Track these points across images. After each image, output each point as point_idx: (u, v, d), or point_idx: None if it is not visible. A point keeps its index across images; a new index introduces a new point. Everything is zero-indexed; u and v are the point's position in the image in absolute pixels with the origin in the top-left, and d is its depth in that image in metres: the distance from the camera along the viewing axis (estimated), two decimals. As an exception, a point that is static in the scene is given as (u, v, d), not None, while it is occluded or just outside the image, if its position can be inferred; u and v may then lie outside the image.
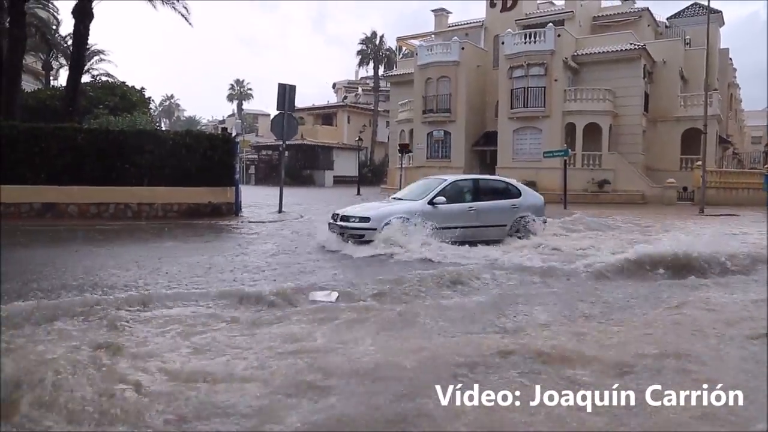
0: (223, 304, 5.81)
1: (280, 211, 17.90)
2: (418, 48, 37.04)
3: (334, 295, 6.32)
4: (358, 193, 33.01)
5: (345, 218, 10.71)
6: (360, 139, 43.46)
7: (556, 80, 30.05)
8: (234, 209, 16.52)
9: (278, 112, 18.68)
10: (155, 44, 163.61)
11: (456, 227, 10.63)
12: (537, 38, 30.36)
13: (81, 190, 15.08)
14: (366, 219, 10.49)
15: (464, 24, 39.42)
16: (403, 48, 47.25)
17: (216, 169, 16.17)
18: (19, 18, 19.65)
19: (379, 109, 55.37)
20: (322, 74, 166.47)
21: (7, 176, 14.76)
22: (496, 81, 32.67)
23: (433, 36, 40.49)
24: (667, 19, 38.63)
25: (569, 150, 26.89)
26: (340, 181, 50.40)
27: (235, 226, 14.53)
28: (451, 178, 12.06)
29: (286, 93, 18.27)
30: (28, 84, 32.42)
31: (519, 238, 11.23)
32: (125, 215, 15.37)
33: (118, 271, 7.78)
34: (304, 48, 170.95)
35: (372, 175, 50.11)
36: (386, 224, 10.29)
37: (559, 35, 30.19)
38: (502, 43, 31.76)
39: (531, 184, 29.23)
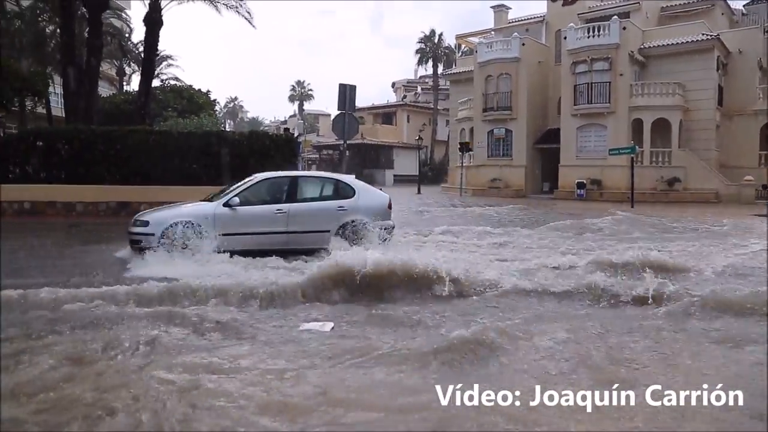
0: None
1: (341, 209, 18.12)
2: (477, 45, 36.68)
3: (329, 325, 5.52)
4: (419, 192, 33.02)
5: (134, 222, 9.39)
6: (420, 138, 43.41)
7: (621, 75, 29.10)
8: (297, 208, 16.83)
9: (339, 111, 18.90)
10: (219, 48, 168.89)
11: (257, 233, 9.27)
12: (601, 32, 29.50)
13: (152, 189, 15.75)
14: (145, 223, 9.17)
15: (525, 19, 38.74)
16: (463, 46, 46.92)
17: (278, 169, 16.49)
18: (96, 28, 20.72)
19: (438, 107, 55.19)
20: (380, 74, 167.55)
21: (86, 176, 15.66)
22: (559, 77, 31.94)
23: (492, 33, 39.98)
24: (744, 6, 36.66)
25: (636, 147, 26.01)
26: (400, 180, 50.53)
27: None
28: (261, 175, 10.39)
29: (346, 93, 18.46)
30: (104, 89, 34.14)
31: (353, 244, 9.14)
32: (193, 213, 15.94)
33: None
34: (362, 49, 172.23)
35: (432, 174, 49.99)
36: (168, 229, 8.88)
37: (624, 28, 29.23)
38: (564, 37, 31.02)
39: (596, 183, 28.73)
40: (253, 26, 25.45)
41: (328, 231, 9.63)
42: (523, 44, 33.04)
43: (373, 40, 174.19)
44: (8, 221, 14.16)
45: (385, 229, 9.80)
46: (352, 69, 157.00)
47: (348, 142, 19.96)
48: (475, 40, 41.70)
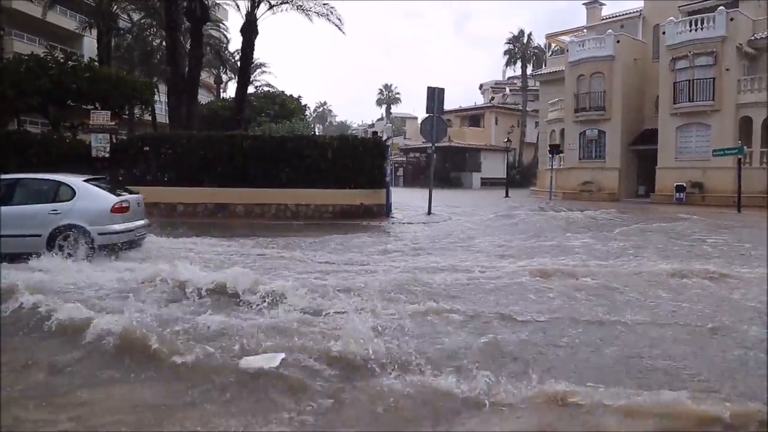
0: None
1: (429, 212, 18.15)
2: (568, 44, 35.55)
3: (279, 357, 4.54)
4: (507, 195, 32.46)
5: None
6: (508, 140, 42.66)
7: (727, 70, 27.22)
8: (385, 210, 17.04)
9: (427, 114, 18.99)
10: (309, 54, 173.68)
11: None
12: (705, 24, 27.73)
13: (247, 191, 16.49)
14: None
15: (619, 16, 37.12)
16: (553, 45, 45.63)
17: (368, 172, 16.82)
18: (198, 40, 21.97)
19: (527, 109, 54.04)
20: (467, 76, 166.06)
21: (187, 179, 16.61)
22: (656, 74, 30.33)
23: (585, 30, 38.65)
24: None
25: (744, 147, 24.24)
26: (487, 183, 49.88)
27: (385, 227, 14.97)
28: None
29: (435, 95, 18.53)
30: (203, 97, 36.04)
31: (68, 253, 8.59)
32: (285, 215, 16.53)
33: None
34: (447, 51, 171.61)
35: (521, 177, 49.00)
36: None
37: (731, 19, 27.30)
38: (663, 32, 29.42)
39: (697, 186, 27.04)
40: (343, 32, 26.04)
41: (40, 236, 8.95)
42: (618, 41, 31.67)
43: (458, 41, 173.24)
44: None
45: (93, 238, 8.99)
46: (438, 71, 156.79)
47: (435, 144, 20.00)
48: (566, 38, 40.44)
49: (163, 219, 15.72)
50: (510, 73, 62.56)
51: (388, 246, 10.93)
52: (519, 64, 56.19)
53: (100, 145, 16.38)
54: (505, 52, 56.62)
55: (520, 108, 55.22)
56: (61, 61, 20.54)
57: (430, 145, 19.89)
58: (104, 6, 29.57)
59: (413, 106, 75.21)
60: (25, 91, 19.12)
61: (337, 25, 25.27)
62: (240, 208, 16.60)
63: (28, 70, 19.43)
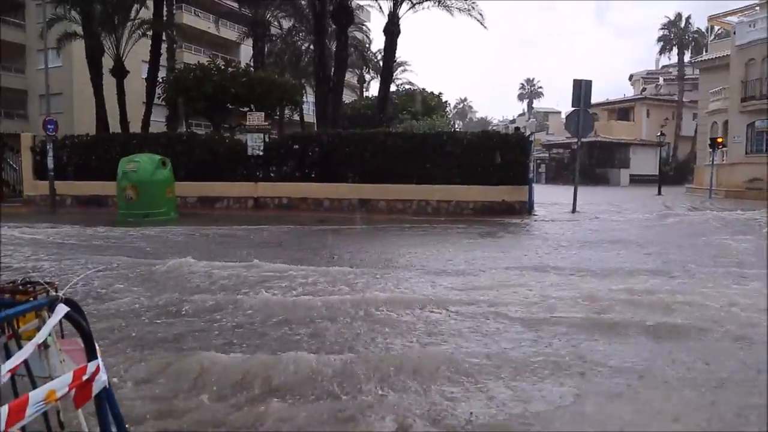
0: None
1: (573, 210, 17.34)
2: (736, 25, 32.12)
3: None
4: (659, 193, 30.16)
5: None
6: (662, 133, 39.56)
7: None
8: (527, 208, 16.54)
9: (573, 108, 18.14)
10: (450, 51, 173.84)
11: None
12: None
13: (390, 187, 16.81)
14: None
15: (801, -9, 32.86)
16: (716, 28, 41.55)
17: (510, 168, 16.40)
18: (343, 42, 22.78)
19: (684, 99, 49.79)
20: (613, 67, 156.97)
21: (332, 176, 17.30)
22: None
23: (757, 9, 34.70)
24: None
25: None
26: (637, 180, 46.73)
27: (529, 225, 14.51)
28: None
29: (581, 88, 17.64)
30: (347, 96, 37.38)
31: None
32: (426, 211, 16.62)
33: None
34: (590, 42, 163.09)
35: (675, 174, 45.31)
36: None
37: None
38: None
39: None
40: (485, 27, 25.57)
41: None
42: (798, 19, 28.09)
43: (600, 31, 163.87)
44: (270, 214, 16.30)
45: None
46: (582, 64, 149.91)
47: (581, 139, 19.05)
48: (733, 19, 36.60)
49: (311, 214, 16.57)
50: (664, 61, 58.04)
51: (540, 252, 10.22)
52: (675, 51, 51.89)
53: (255, 144, 17.57)
54: (659, 39, 52.65)
55: (676, 99, 51.01)
56: (222, 68, 22.38)
57: (576, 140, 18.97)
58: (259, 16, 31.68)
59: (556, 101, 72.86)
60: (193, 97, 21.08)
61: (478, 20, 24.96)
62: (382, 203, 16.97)
63: (195, 78, 21.39)
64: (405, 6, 24.30)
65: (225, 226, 13.35)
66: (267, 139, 17.97)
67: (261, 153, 17.61)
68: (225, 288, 6.25)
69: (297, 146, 17.97)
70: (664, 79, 59.09)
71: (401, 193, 16.83)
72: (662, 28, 52.28)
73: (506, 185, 16.38)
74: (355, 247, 10.34)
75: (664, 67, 60.87)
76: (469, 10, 24.51)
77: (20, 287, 2.20)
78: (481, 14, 24.48)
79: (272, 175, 18.22)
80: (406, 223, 14.06)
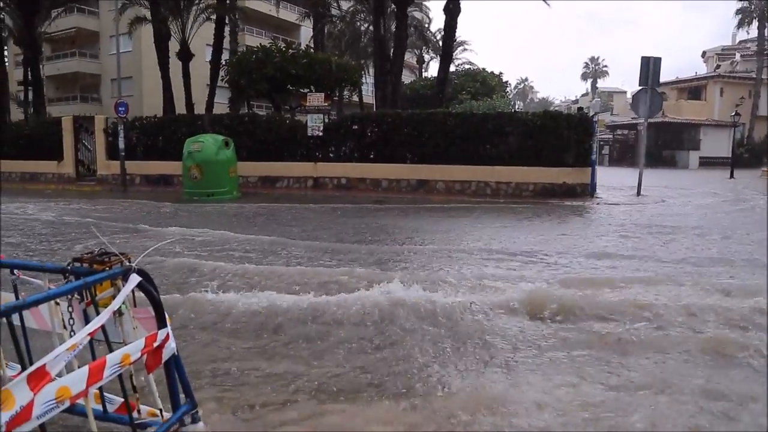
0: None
1: (638, 194, 16.76)
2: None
3: None
4: (731, 177, 28.70)
5: None
6: (736, 113, 37.43)
7: None
8: (589, 190, 16.10)
9: (640, 87, 17.44)
10: (510, 29, 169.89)
11: None
12: None
13: (448, 168, 16.70)
14: None
15: None
16: (802, -1, 38.82)
17: (571, 150, 15.98)
18: (402, 22, 22.63)
19: (763, 77, 46.84)
20: (683, 43, 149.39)
21: (391, 156, 17.33)
22: None
23: None
24: None
25: None
26: (707, 162, 44.60)
27: (591, 208, 14.13)
28: None
29: (649, 66, 16.91)
30: (406, 77, 37.21)
31: None
32: (484, 192, 16.44)
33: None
34: (658, 17, 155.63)
35: (750, 156, 42.94)
36: None
37: None
38: None
39: None
40: (547, 4, 24.87)
41: None
42: None
43: (671, 5, 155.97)
44: (329, 194, 16.53)
45: None
46: (650, 40, 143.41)
47: (648, 120, 18.33)
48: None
49: (369, 193, 16.68)
50: (742, 35, 54.69)
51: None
52: (755, 24, 48.71)
53: (315, 124, 17.78)
54: (737, 11, 49.45)
55: (753, 76, 48.07)
56: (283, 50, 22.66)
57: (642, 120, 18.25)
58: (319, -3, 31.87)
59: (621, 80, 70.20)
60: (255, 78, 21.47)
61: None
62: (441, 184, 16.89)
63: (257, 60, 21.76)
64: (466, -16, 23.92)
65: (300, 204, 13.63)
66: (326, 120, 18.14)
67: (321, 133, 17.81)
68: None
69: (356, 127, 18.06)
70: (741, 55, 55.79)
71: (460, 174, 16.70)
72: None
73: (568, 167, 15.98)
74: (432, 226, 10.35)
75: (741, 42, 57.48)
76: (532, -14, 23.89)
77: (97, 258, 2.33)
78: (544, -10, 23.85)
79: (331, 155, 18.42)
80: (466, 204, 13.97)
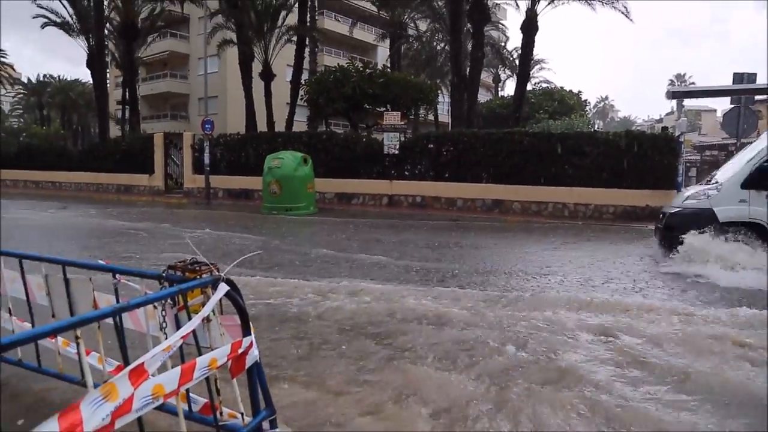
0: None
1: (728, 217, 15.84)
2: None
3: None
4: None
5: None
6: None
7: None
8: (674, 213, 15.37)
9: (732, 106, 16.58)
10: (590, 47, 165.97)
11: None
12: None
13: (524, 188, 16.43)
14: None
15: None
16: None
17: (655, 171, 15.36)
18: (478, 40, 22.67)
19: None
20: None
21: (468, 175, 17.26)
22: None
23: None
24: None
25: None
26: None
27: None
28: None
29: (743, 83, 16.08)
30: (481, 96, 37.07)
31: None
32: (562, 214, 16.03)
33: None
34: (750, 30, 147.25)
35: None
36: None
37: None
38: None
39: None
40: (630, 19, 24.12)
41: None
42: None
43: (760, 16, 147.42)
44: (404, 212, 16.63)
45: None
46: (736, 54, 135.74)
47: (742, 140, 17.36)
48: None
49: (443, 212, 16.66)
50: None
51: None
52: None
53: (391, 143, 17.99)
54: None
55: None
56: (360, 69, 23.16)
57: (734, 141, 17.31)
58: (396, 18, 32.38)
59: (711, 98, 66.46)
60: (333, 97, 22.05)
61: (623, 13, 23.68)
62: (516, 204, 16.63)
63: (335, 79, 22.36)
64: (543, 2, 23.66)
65: (377, 220, 13.83)
66: (402, 138, 18.32)
67: (396, 152, 18.00)
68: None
69: (431, 145, 18.13)
70: None
71: (536, 195, 16.39)
72: None
73: (651, 189, 15.35)
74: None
75: None
76: (612, 2, 23.35)
77: (189, 266, 2.48)
78: (625, 6, 23.25)
79: (406, 173, 18.56)
80: (543, 225, 13.69)
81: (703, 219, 7.63)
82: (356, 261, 8.01)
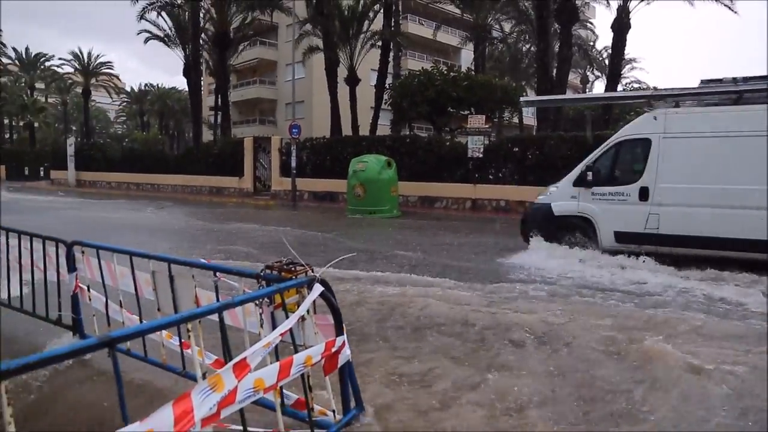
0: None
1: None
2: None
3: None
4: None
5: None
6: None
7: None
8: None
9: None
10: (687, 44, 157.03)
11: None
12: None
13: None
14: None
15: None
16: None
17: None
18: (566, 40, 22.03)
19: None
20: None
21: (552, 179, 16.76)
22: None
23: None
24: None
25: None
26: None
27: None
28: None
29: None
30: (569, 98, 35.95)
31: None
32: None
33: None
34: None
35: None
36: None
37: None
38: None
39: None
40: (734, 12, 22.66)
41: None
42: None
43: None
44: (488, 216, 16.42)
45: None
46: None
47: None
48: None
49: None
50: None
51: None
52: None
53: (475, 146, 17.82)
54: None
55: None
56: (444, 73, 23.10)
57: None
58: (480, 20, 32.04)
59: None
60: (416, 101, 22.13)
61: (727, 6, 22.32)
62: (604, 210, 16.02)
63: (419, 83, 22.43)
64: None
65: (460, 222, 13.79)
66: (486, 142, 18.10)
67: (480, 155, 17.81)
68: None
69: (516, 149, 17.81)
70: None
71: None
72: None
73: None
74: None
75: None
76: (714, -5, 22.08)
77: (285, 266, 2.58)
78: (729, -2, 21.92)
79: (490, 177, 18.31)
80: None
81: (543, 213, 8.68)
82: (444, 265, 8.08)
